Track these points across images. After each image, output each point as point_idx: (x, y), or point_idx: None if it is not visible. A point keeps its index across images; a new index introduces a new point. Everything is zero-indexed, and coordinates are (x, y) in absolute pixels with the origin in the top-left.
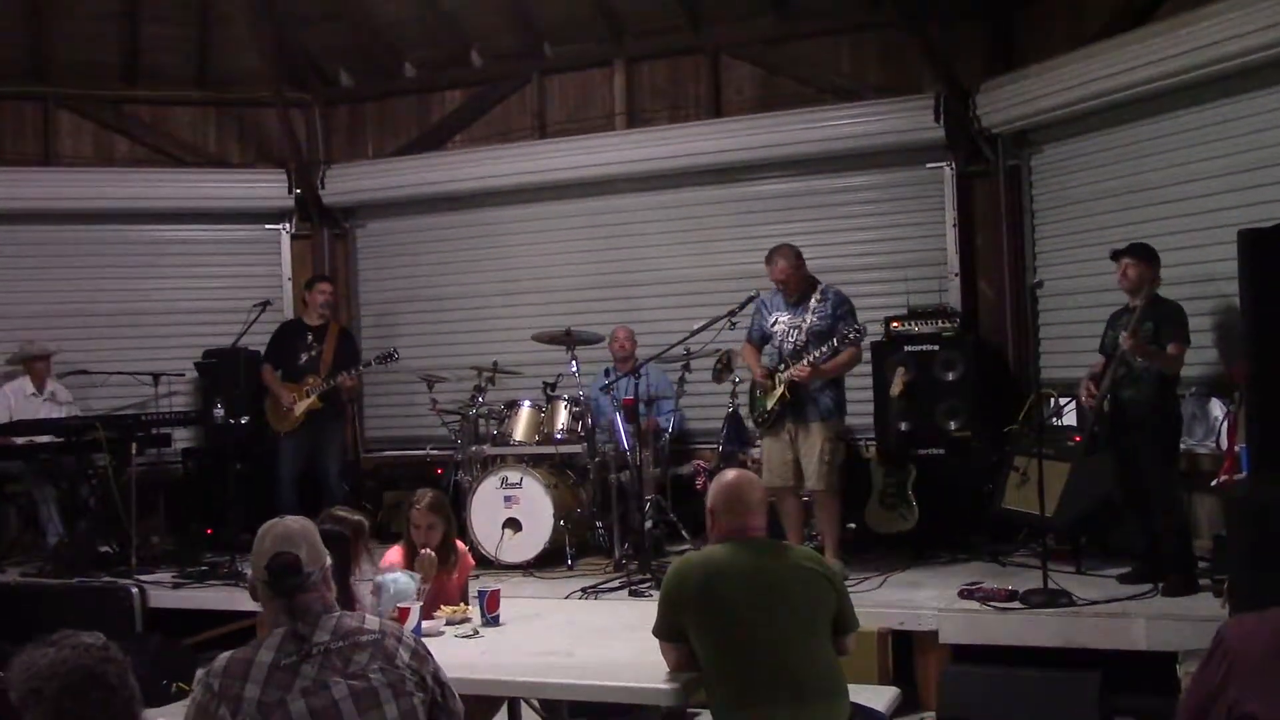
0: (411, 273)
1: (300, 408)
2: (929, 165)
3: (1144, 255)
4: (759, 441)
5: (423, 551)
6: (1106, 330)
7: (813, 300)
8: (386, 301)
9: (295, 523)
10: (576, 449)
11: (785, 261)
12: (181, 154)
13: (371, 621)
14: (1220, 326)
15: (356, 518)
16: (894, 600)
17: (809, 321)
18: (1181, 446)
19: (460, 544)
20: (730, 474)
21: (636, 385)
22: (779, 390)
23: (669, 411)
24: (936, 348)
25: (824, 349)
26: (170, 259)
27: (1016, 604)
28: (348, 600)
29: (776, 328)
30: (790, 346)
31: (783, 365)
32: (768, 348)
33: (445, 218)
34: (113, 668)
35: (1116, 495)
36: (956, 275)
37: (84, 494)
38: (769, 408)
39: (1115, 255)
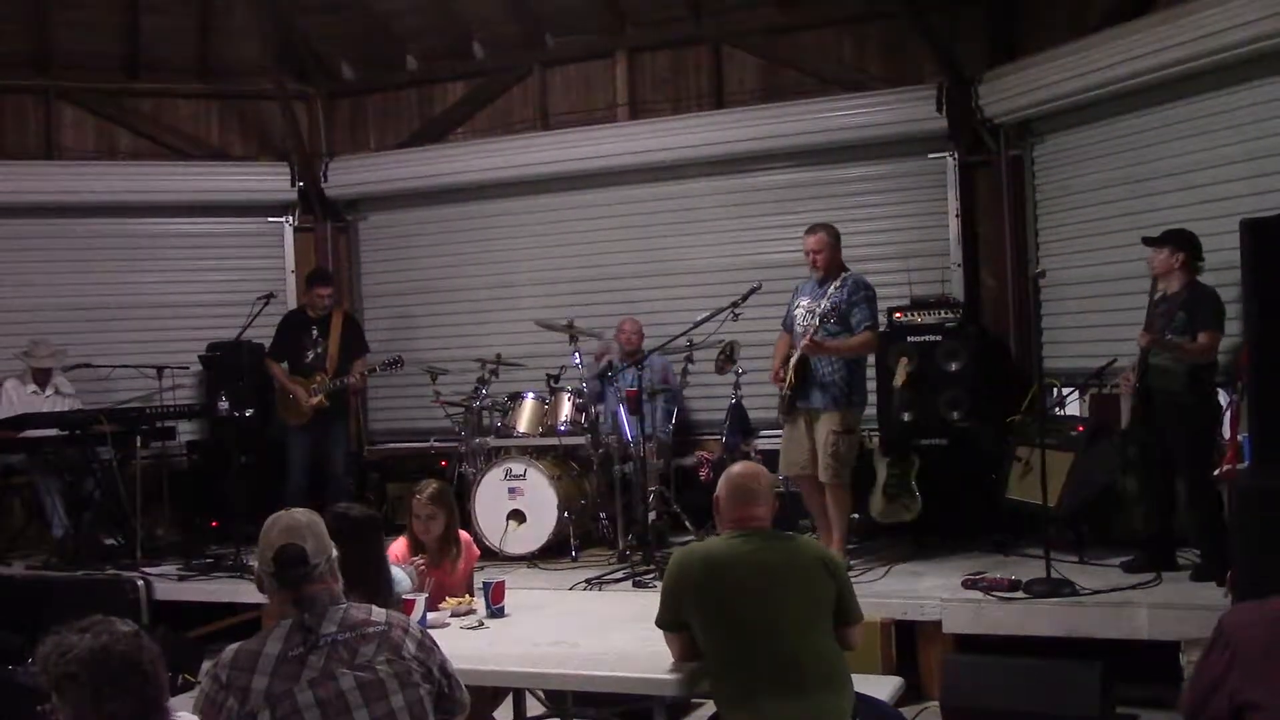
0: (414, 265)
1: (310, 404)
2: (931, 155)
3: (1167, 242)
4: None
5: (418, 562)
6: (1148, 313)
7: (832, 286)
8: (389, 294)
9: (301, 514)
10: (580, 440)
11: (825, 234)
12: (183, 146)
13: (378, 613)
14: None
15: (368, 513)
16: (897, 590)
17: (823, 305)
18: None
19: (465, 535)
20: (738, 466)
21: (640, 377)
22: (789, 376)
23: (668, 404)
24: (939, 338)
25: (830, 324)
26: (173, 252)
27: (1020, 594)
28: (379, 588)
29: (797, 311)
30: (800, 329)
31: (793, 351)
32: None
33: (448, 210)
34: (147, 655)
35: (1125, 482)
36: (959, 265)
37: (89, 487)
38: (782, 393)
39: (1145, 242)
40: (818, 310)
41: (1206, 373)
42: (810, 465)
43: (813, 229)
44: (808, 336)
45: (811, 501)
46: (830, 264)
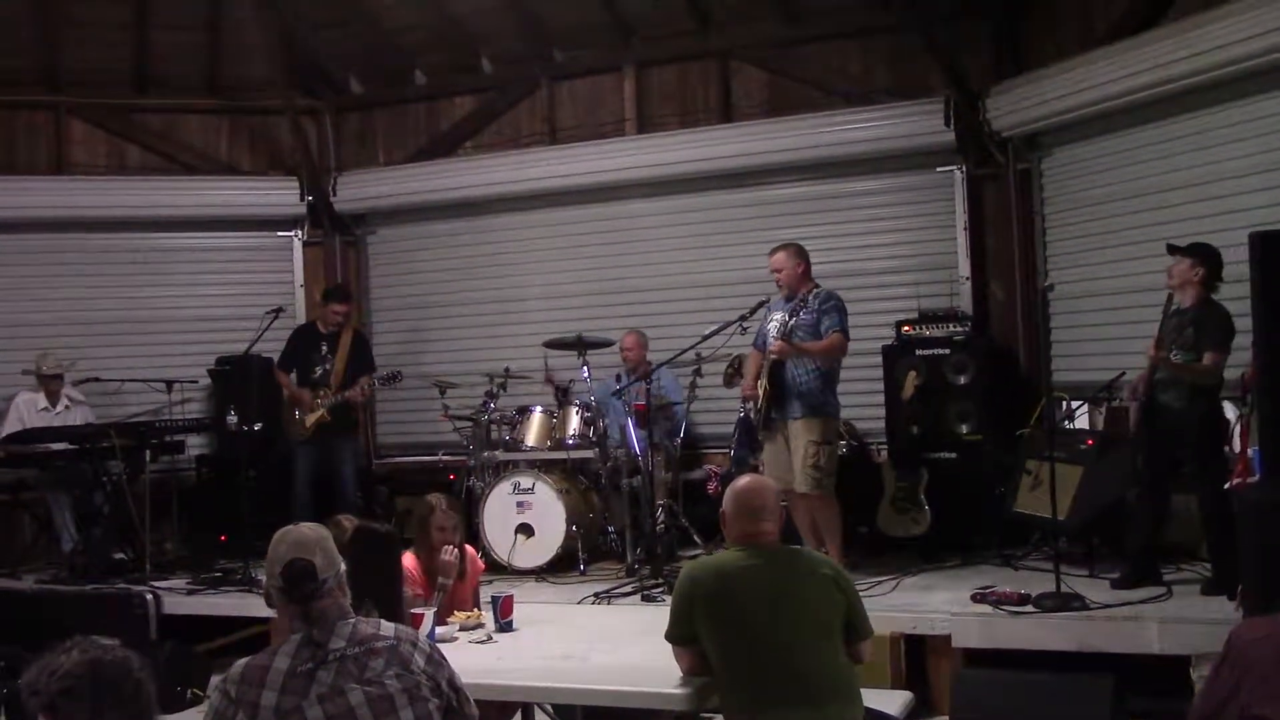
0: (423, 279)
1: (310, 419)
2: (939, 169)
3: (1191, 254)
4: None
5: (446, 555)
6: (1160, 326)
7: (801, 300)
8: (398, 308)
9: (310, 529)
10: (588, 454)
11: (784, 254)
12: (193, 162)
13: (386, 627)
14: None
15: (389, 529)
16: (906, 604)
17: (792, 320)
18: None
19: (469, 548)
20: (744, 479)
21: (649, 390)
22: (763, 388)
23: (677, 418)
24: (947, 351)
25: (801, 333)
26: (182, 266)
27: (1029, 607)
28: (393, 603)
29: (769, 327)
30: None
31: (765, 366)
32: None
33: (456, 224)
34: (136, 665)
35: (1130, 494)
36: (967, 278)
37: (98, 501)
38: (758, 408)
39: (1170, 249)
40: (789, 324)
41: (1211, 390)
42: (792, 479)
43: (774, 250)
44: (780, 341)
45: (796, 516)
46: (794, 281)
